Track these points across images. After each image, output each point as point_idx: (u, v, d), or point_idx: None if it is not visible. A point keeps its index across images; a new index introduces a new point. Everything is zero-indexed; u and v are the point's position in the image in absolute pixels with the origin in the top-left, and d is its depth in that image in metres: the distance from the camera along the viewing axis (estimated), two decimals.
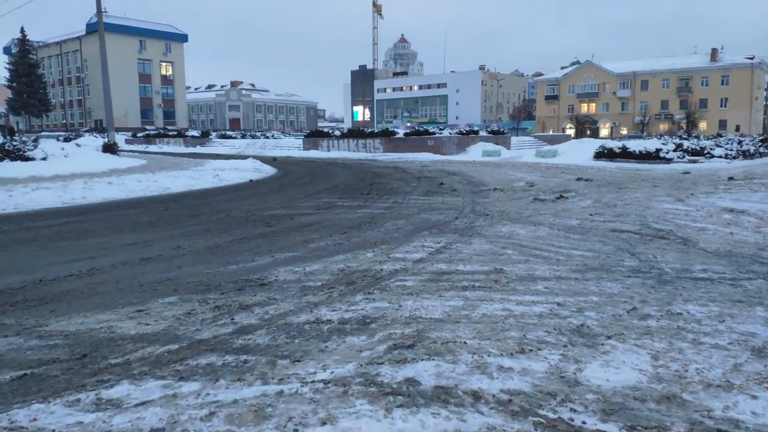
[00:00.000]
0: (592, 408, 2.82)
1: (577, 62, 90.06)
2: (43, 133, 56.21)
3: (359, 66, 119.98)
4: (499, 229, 8.04)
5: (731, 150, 22.81)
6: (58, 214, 10.44)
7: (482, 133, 37.24)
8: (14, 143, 18.77)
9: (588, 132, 76.03)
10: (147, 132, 61.06)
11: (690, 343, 3.68)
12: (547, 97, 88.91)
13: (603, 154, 23.82)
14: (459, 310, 4.38)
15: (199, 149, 46.13)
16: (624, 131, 75.66)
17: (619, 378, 3.15)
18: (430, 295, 4.80)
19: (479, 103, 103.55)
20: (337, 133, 42.11)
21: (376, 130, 40.04)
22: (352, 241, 7.32)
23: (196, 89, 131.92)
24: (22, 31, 69.24)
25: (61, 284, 5.40)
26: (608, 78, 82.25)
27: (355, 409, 2.80)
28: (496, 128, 41.11)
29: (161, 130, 62.96)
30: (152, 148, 50.10)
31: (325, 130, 48.12)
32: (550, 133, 68.51)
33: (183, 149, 47.14)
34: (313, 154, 37.32)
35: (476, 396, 2.94)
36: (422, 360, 3.37)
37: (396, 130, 40.05)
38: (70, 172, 16.09)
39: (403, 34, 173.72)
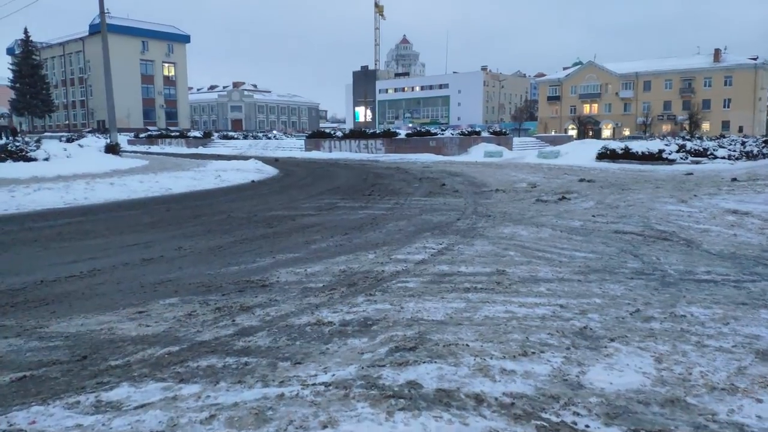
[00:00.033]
0: (596, 411, 2.79)
1: (580, 63, 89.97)
2: (45, 134, 56.33)
3: (361, 67, 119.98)
4: (502, 230, 8.01)
5: (734, 151, 22.75)
6: (59, 215, 10.44)
7: (484, 134, 37.20)
8: (17, 144, 18.77)
9: (590, 133, 75.91)
10: (149, 133, 61.13)
11: (694, 345, 3.65)
12: (549, 98, 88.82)
13: (605, 155, 23.78)
14: (461, 312, 4.35)
15: (201, 150, 46.17)
16: (626, 132, 75.50)
17: (622, 381, 3.13)
18: (432, 296, 4.77)
19: (481, 103, 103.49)
20: (339, 133, 42.12)
21: (377, 131, 40.03)
22: (354, 242, 7.30)
23: (198, 90, 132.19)
24: (26, 31, 69.48)
25: (62, 285, 5.39)
26: (610, 78, 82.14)
27: (357, 412, 2.78)
28: (498, 129, 41.02)
29: (163, 131, 63.03)
30: (154, 148, 50.18)
31: (327, 130, 48.15)
32: (552, 134, 68.46)
33: (185, 150, 47.18)
34: (314, 154, 37.33)
35: (478, 399, 2.91)
36: (424, 362, 3.35)
37: (398, 130, 40.03)
38: (72, 172, 16.09)
39: (405, 35, 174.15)
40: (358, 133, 40.01)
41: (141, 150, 45.77)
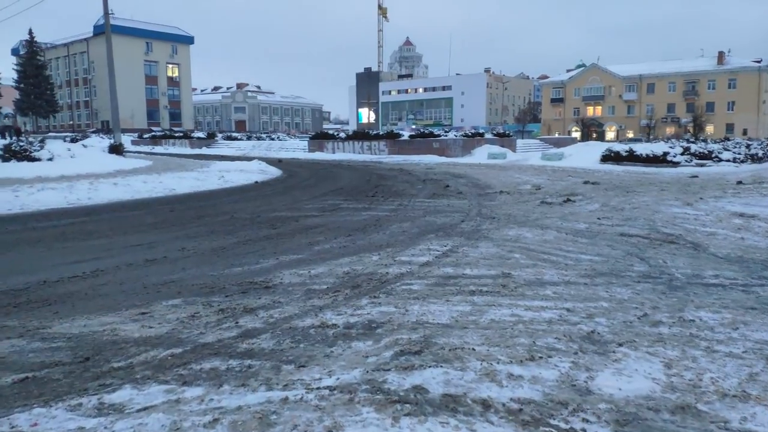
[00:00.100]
0: (605, 418, 2.74)
1: (583, 65, 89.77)
2: (50, 134, 56.45)
3: (364, 68, 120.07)
4: (506, 232, 7.97)
5: (739, 154, 22.65)
6: (63, 215, 10.43)
7: (487, 136, 37.13)
8: (21, 144, 18.78)
9: (594, 135, 75.69)
10: (153, 133, 61.24)
11: (703, 351, 3.60)
12: (553, 100, 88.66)
13: (609, 157, 23.70)
14: (467, 315, 4.31)
15: (204, 150, 46.20)
16: (630, 134, 75.30)
17: (631, 387, 3.08)
18: (437, 299, 4.73)
19: (484, 105, 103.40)
20: (342, 135, 42.12)
21: (381, 133, 40.02)
22: (358, 244, 7.26)
23: (202, 91, 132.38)
24: (30, 32, 69.69)
25: (65, 285, 5.37)
26: (614, 81, 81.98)
27: (362, 417, 2.74)
28: (501, 131, 40.91)
29: (167, 132, 63.14)
30: (158, 149, 50.20)
31: (331, 132, 48.14)
32: (556, 135, 68.29)
33: (189, 150, 47.22)
34: (318, 155, 37.31)
35: (485, 405, 2.87)
36: (430, 367, 3.31)
37: (401, 132, 39.95)
38: (76, 172, 16.10)
39: (408, 37, 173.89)
40: (361, 135, 39.97)
41: (145, 150, 45.79)
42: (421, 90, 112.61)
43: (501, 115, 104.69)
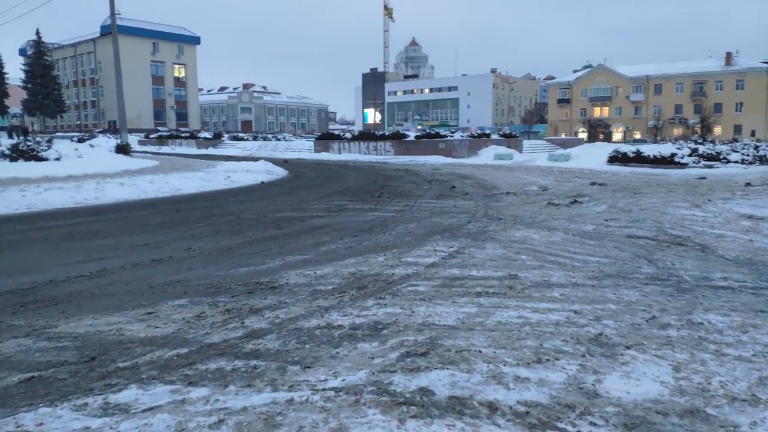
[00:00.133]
0: (613, 422, 2.72)
1: (590, 66, 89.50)
2: (57, 134, 56.82)
3: (370, 69, 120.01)
4: (513, 233, 7.93)
5: (747, 155, 22.49)
6: (70, 215, 10.47)
7: (494, 137, 37.03)
8: (28, 143, 18.88)
9: (601, 136, 75.45)
10: (160, 133, 61.43)
11: (712, 354, 3.57)
12: (560, 101, 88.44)
13: (617, 159, 23.58)
14: (473, 317, 4.28)
15: (211, 151, 46.30)
16: (637, 135, 75.02)
17: (639, 390, 3.05)
18: (443, 300, 4.71)
19: (491, 106, 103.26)
20: (348, 135, 42.09)
21: (386, 133, 39.99)
22: (363, 245, 7.25)
23: (208, 91, 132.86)
24: (38, 32, 70.05)
25: (72, 285, 5.38)
26: (621, 81, 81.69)
27: (368, 419, 2.72)
28: (507, 131, 40.78)
29: (174, 132, 63.34)
30: (165, 149, 50.39)
31: (336, 132, 48.20)
32: (563, 136, 68.14)
33: (195, 151, 47.36)
34: (324, 156, 37.34)
35: (492, 407, 2.85)
36: (436, 369, 3.29)
37: (407, 132, 39.93)
38: (83, 172, 16.17)
39: (414, 38, 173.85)
40: (367, 135, 39.96)
41: (151, 150, 45.98)
42: (427, 90, 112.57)
43: (507, 115, 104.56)
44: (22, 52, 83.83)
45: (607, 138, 74.62)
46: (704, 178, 17.60)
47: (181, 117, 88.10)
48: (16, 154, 17.78)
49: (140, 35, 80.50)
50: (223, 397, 2.98)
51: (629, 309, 4.48)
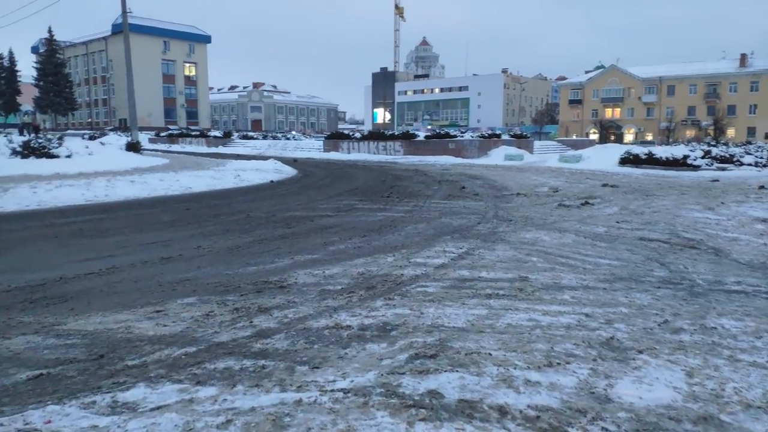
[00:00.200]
0: (625, 427, 2.68)
1: (602, 66, 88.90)
2: (68, 132, 57.11)
3: (380, 68, 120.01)
4: (523, 235, 7.88)
5: (761, 158, 22.22)
6: (80, 212, 10.53)
7: (504, 137, 36.88)
8: (39, 141, 19.02)
9: (612, 137, 74.93)
10: (170, 132, 61.69)
11: (726, 359, 3.51)
12: (571, 102, 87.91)
13: (628, 160, 23.39)
14: (483, 319, 4.25)
15: (221, 149, 46.48)
16: (649, 137, 74.33)
17: (652, 396, 3.00)
18: (453, 302, 4.67)
19: (501, 106, 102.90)
20: (358, 135, 42.11)
21: (396, 133, 39.93)
22: (372, 245, 7.22)
23: (218, 90, 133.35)
24: (50, 30, 70.56)
25: (81, 282, 5.39)
26: (633, 82, 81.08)
27: (376, 421, 2.69)
28: (518, 132, 40.61)
29: (184, 130, 63.57)
30: (175, 147, 50.62)
31: (346, 132, 48.22)
32: (574, 137, 67.75)
33: (205, 149, 47.55)
34: (333, 155, 37.36)
35: (502, 411, 2.81)
36: (445, 371, 3.25)
37: (416, 132, 39.86)
38: (93, 170, 16.26)
39: (425, 37, 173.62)
40: (376, 135, 39.94)
41: (162, 149, 46.21)
42: (437, 90, 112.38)
43: (518, 116, 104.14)
44: (35, 50, 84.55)
45: (619, 139, 74.06)
46: (717, 180, 17.42)
47: (192, 115, 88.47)
48: (28, 151, 17.91)
49: (151, 34, 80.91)
50: (231, 397, 2.96)
51: (641, 313, 4.42)
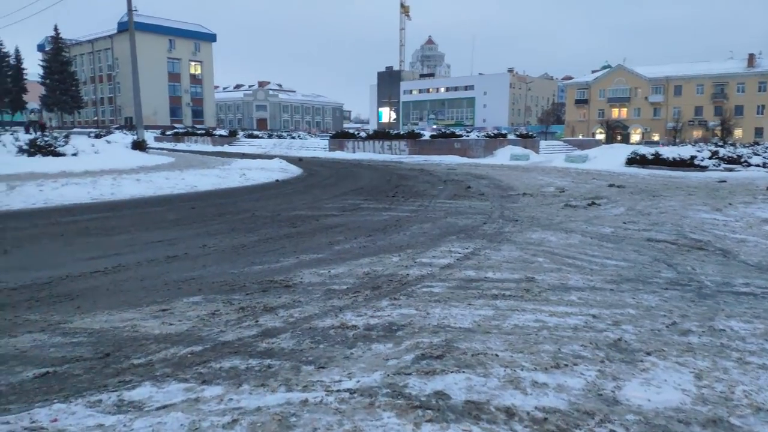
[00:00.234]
0: (633, 430, 2.65)
1: (608, 66, 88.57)
2: (74, 130, 57.35)
3: (386, 67, 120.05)
4: (529, 235, 7.85)
5: None
6: (86, 210, 10.55)
7: (510, 137, 36.80)
8: (46, 139, 19.10)
9: (619, 137, 74.63)
10: (176, 130, 61.87)
11: (735, 362, 3.48)
12: (577, 101, 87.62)
13: (635, 161, 23.28)
14: (489, 319, 4.22)
15: (226, 148, 46.57)
16: (656, 137, 74.06)
17: (660, 398, 2.98)
18: (459, 303, 4.65)
19: (507, 106, 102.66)
20: (363, 134, 42.07)
21: (401, 132, 39.85)
22: (378, 244, 7.21)
23: (224, 89, 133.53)
24: (56, 29, 70.75)
25: (87, 280, 5.40)
26: (640, 82, 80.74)
27: (382, 422, 2.68)
28: (524, 132, 40.48)
29: (189, 129, 63.75)
30: (180, 146, 50.75)
31: (351, 131, 48.13)
32: (580, 137, 67.47)
33: (211, 148, 47.66)
34: (338, 155, 37.35)
35: (509, 413, 2.79)
36: (452, 372, 3.24)
37: (422, 132, 39.74)
38: (99, 168, 16.33)
39: (430, 36, 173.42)
40: (382, 134, 39.88)
41: (167, 147, 46.35)
42: (442, 89, 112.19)
43: (524, 115, 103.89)
44: (41, 48, 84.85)
45: (625, 139, 73.77)
46: (725, 181, 17.32)
47: (197, 114, 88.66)
48: (34, 149, 18.00)
49: (157, 32, 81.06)
50: (237, 397, 2.95)
51: (649, 314, 4.39)
